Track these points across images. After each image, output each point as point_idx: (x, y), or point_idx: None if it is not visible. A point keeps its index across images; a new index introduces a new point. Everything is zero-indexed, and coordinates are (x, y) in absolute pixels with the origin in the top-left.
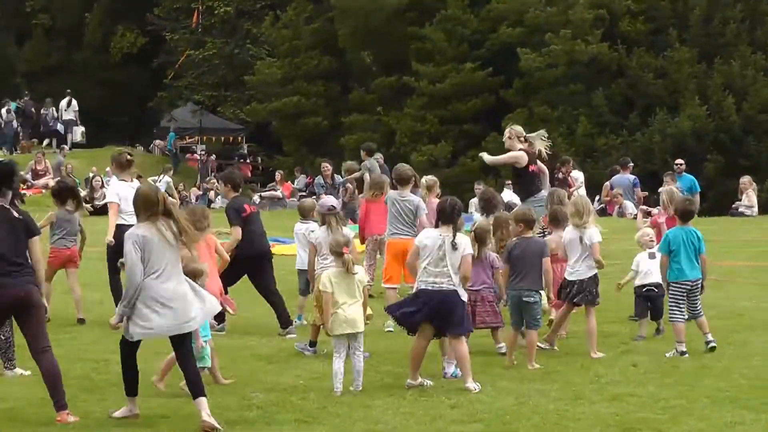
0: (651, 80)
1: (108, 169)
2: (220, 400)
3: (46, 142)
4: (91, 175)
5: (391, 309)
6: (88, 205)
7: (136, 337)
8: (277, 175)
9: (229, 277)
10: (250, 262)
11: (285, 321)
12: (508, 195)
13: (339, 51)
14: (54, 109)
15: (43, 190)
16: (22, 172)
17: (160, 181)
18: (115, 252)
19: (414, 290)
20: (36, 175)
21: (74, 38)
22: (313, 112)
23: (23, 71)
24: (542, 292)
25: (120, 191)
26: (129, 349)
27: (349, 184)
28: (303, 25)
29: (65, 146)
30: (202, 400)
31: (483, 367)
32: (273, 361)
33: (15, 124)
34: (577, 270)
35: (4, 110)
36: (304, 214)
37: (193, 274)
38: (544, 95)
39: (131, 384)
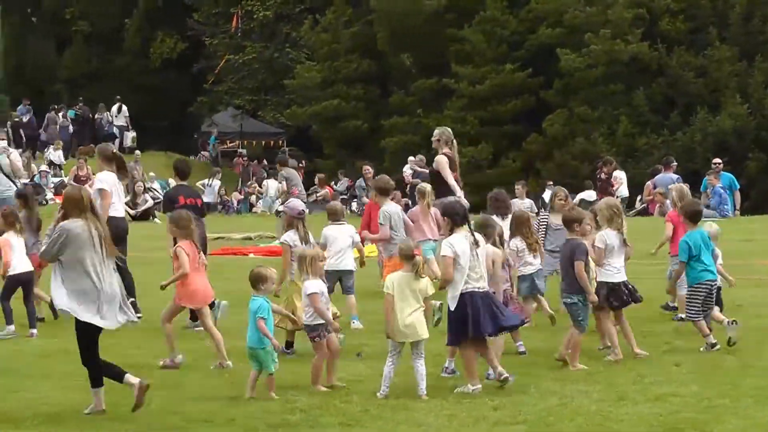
0: (691, 79)
1: (152, 173)
2: (263, 404)
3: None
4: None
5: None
6: (132, 211)
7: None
8: (316, 179)
9: None
10: None
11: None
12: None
13: (378, 54)
14: (108, 113)
15: None
16: (65, 179)
17: (209, 185)
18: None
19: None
20: (78, 180)
21: (114, 44)
22: (353, 116)
23: (63, 78)
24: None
25: (108, 180)
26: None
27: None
28: (342, 29)
29: (138, 152)
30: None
31: (527, 368)
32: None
33: (71, 129)
34: (621, 272)
35: (60, 115)
36: (337, 217)
37: (257, 278)
38: (584, 95)
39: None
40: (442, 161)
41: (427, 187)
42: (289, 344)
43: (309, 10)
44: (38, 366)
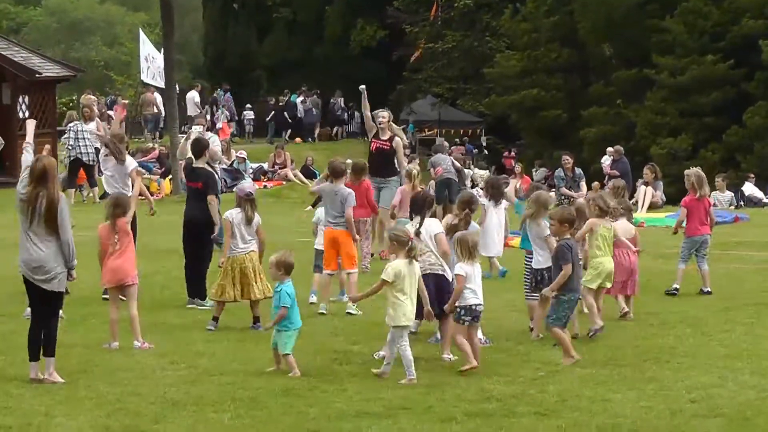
0: None
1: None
2: (459, 393)
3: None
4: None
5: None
6: None
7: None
8: (517, 168)
9: None
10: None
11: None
12: (749, 188)
13: (578, 44)
14: (342, 99)
15: (283, 182)
16: (264, 165)
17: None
18: None
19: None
20: (274, 167)
21: (314, 32)
22: (552, 105)
23: (264, 64)
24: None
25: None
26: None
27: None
28: (543, 18)
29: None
30: (51, 360)
31: (725, 361)
32: (512, 354)
33: (314, 112)
34: None
35: (299, 101)
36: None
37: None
38: None
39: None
40: (401, 144)
41: (415, 169)
42: (215, 318)
43: None
44: (238, 350)
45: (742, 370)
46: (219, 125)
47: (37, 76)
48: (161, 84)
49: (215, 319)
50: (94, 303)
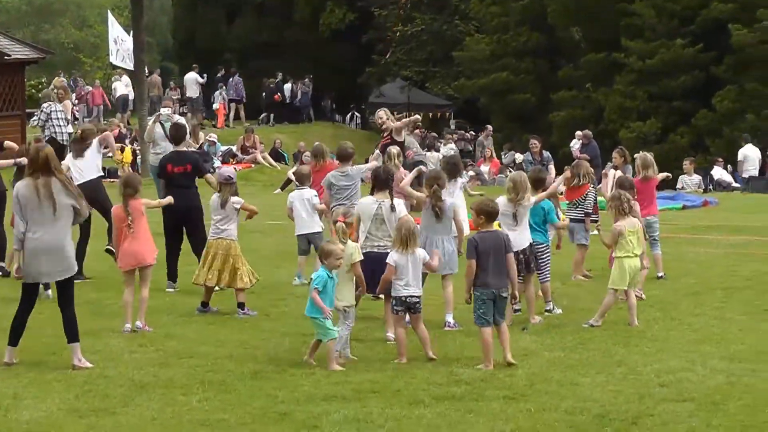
0: None
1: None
2: (428, 376)
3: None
4: (299, 150)
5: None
6: None
7: (28, 279)
8: (487, 151)
9: None
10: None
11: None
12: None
13: (548, 27)
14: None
15: (252, 165)
16: (233, 147)
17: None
18: None
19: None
20: (244, 151)
21: (284, 15)
22: (522, 89)
23: (234, 47)
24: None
25: None
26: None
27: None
28: (512, 2)
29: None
30: (76, 345)
31: (694, 346)
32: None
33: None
34: None
35: (287, 87)
36: (302, 181)
37: (323, 253)
38: (756, 72)
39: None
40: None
41: (395, 149)
42: (204, 304)
43: None
44: (208, 333)
45: (712, 354)
46: (216, 106)
47: (5, 58)
48: (130, 66)
49: (204, 304)
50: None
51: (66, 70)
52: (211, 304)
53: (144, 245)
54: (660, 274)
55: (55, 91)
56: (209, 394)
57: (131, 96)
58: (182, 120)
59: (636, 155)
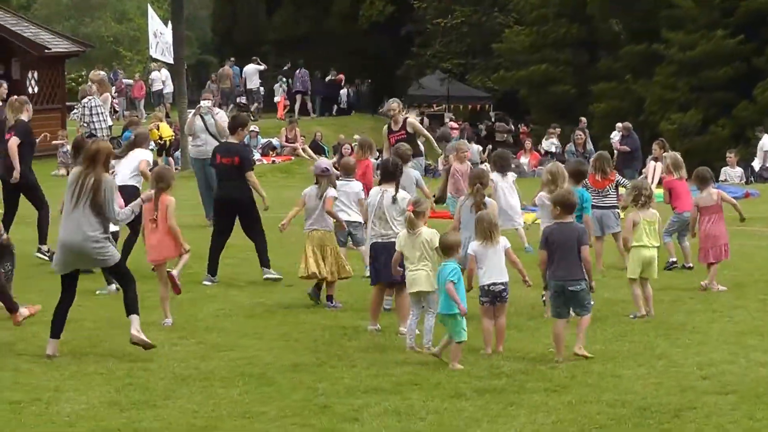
0: None
1: (356, 136)
2: (469, 369)
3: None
4: (338, 142)
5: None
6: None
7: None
8: (527, 143)
9: None
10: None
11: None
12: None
13: (587, 19)
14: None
15: (292, 158)
16: (272, 140)
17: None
18: None
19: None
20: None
21: (323, 7)
22: (561, 80)
23: (272, 39)
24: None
25: None
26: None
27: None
28: None
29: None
30: (134, 317)
31: (735, 338)
32: (522, 329)
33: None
34: None
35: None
36: (347, 172)
37: (449, 246)
38: None
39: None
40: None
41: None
42: (329, 297)
43: None
44: (248, 326)
45: (754, 347)
46: (277, 98)
47: (46, 51)
48: (170, 59)
49: (316, 294)
50: (101, 278)
51: (106, 64)
52: (253, 297)
53: (167, 237)
54: (688, 265)
55: (91, 84)
56: (249, 387)
57: (166, 89)
58: (222, 113)
59: (665, 154)
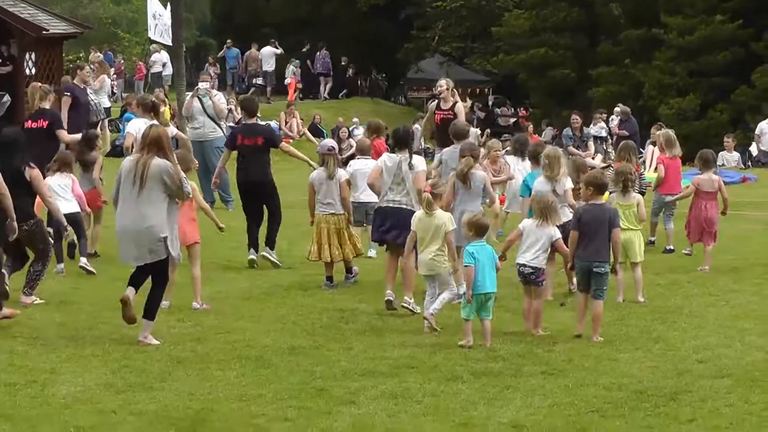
0: None
1: (355, 119)
2: (466, 352)
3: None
4: (337, 126)
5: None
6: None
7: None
8: (530, 128)
9: None
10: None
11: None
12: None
13: (587, 3)
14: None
15: (291, 141)
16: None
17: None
18: None
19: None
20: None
21: None
22: (561, 64)
23: (272, 22)
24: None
25: (139, 127)
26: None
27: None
28: None
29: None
30: (148, 322)
31: (732, 322)
32: (517, 313)
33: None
34: None
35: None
36: (364, 152)
37: (482, 227)
38: None
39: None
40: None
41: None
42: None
43: None
44: (245, 308)
45: (750, 331)
46: (287, 80)
47: (43, 32)
48: (168, 41)
49: (329, 278)
50: (101, 261)
51: (104, 45)
52: (251, 280)
53: (184, 224)
54: (669, 247)
55: (92, 66)
56: (246, 370)
57: (165, 72)
58: (220, 95)
59: (658, 132)
